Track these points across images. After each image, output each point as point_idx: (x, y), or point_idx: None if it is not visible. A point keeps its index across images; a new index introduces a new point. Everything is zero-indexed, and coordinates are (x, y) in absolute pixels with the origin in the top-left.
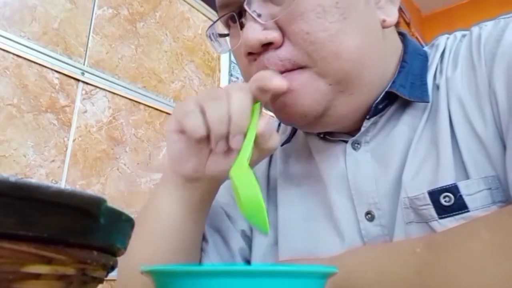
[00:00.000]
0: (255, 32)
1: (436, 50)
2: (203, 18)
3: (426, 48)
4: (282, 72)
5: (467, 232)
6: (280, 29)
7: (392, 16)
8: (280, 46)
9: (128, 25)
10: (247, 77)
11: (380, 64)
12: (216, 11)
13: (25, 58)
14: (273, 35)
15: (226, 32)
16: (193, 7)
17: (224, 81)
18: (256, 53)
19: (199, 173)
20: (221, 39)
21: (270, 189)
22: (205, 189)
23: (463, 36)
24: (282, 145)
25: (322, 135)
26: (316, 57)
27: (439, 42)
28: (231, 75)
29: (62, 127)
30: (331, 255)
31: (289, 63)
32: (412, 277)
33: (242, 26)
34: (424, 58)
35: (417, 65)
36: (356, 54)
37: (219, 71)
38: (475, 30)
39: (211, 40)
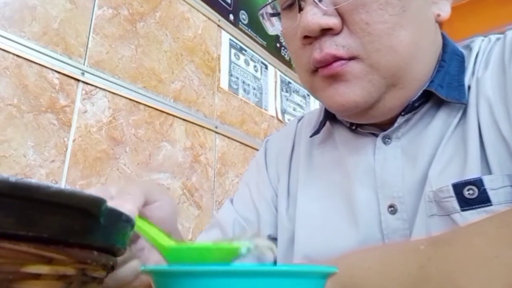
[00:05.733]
0: (315, 16)
1: (470, 52)
2: (203, 18)
3: (461, 49)
4: (335, 61)
5: (472, 229)
6: (340, 16)
7: (445, 11)
8: (338, 33)
9: (128, 25)
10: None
11: (428, 59)
12: (217, 11)
13: (25, 58)
14: (334, 21)
15: (275, 11)
16: (193, 7)
17: (224, 81)
18: (312, 37)
19: None
20: (273, 19)
21: (290, 184)
22: None
23: (498, 39)
24: (311, 136)
25: (354, 127)
26: (371, 48)
27: (474, 45)
28: (231, 75)
29: (62, 127)
30: (345, 250)
31: (343, 50)
32: (414, 272)
33: (300, 9)
34: (461, 59)
35: (454, 65)
36: (410, 48)
37: (219, 71)
38: (509, 33)
39: (263, 19)
